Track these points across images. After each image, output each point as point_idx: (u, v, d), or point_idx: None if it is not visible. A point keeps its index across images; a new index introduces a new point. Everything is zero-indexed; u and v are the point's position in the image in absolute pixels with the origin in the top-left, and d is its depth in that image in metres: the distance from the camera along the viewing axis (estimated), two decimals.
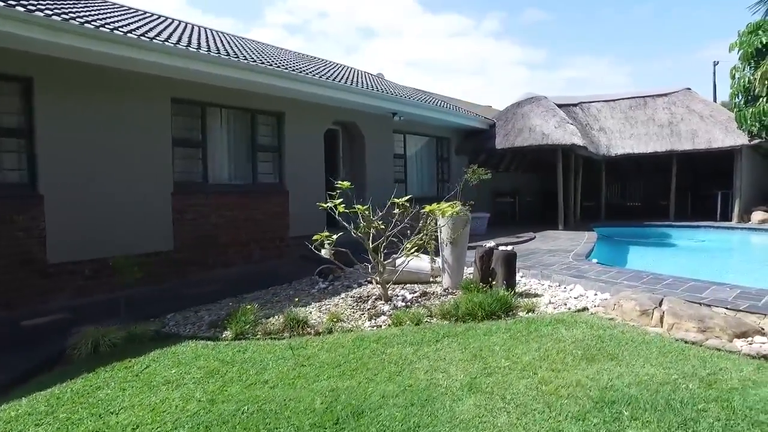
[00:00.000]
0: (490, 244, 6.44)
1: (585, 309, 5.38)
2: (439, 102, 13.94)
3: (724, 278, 6.65)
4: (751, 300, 4.98)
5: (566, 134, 12.47)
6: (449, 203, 7.10)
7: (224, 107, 8.82)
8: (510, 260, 6.08)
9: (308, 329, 4.99)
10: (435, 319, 5.26)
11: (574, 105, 16.29)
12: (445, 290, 6.57)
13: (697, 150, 14.37)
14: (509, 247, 6.30)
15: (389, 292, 6.33)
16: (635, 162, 17.56)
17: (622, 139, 15.52)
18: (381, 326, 5.15)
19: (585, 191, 16.76)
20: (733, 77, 14.44)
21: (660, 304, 4.79)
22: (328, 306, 5.92)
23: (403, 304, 5.91)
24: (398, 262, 7.34)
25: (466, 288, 6.21)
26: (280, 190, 9.61)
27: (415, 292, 6.51)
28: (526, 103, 14.25)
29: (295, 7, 63.98)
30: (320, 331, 4.95)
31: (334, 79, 10.12)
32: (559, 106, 14.97)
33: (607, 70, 67.78)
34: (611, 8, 60.78)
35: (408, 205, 6.83)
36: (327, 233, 6.39)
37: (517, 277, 6.99)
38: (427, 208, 6.73)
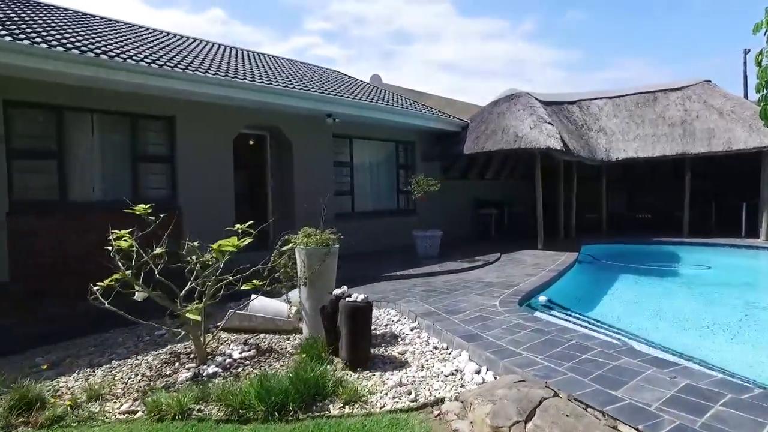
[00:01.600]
0: (338, 291, 4.64)
1: (441, 400, 3.54)
2: (388, 100, 12.10)
3: (710, 336, 4.70)
4: (696, 408, 3.01)
5: (541, 136, 10.43)
6: (305, 231, 5.39)
7: (92, 111, 7.37)
8: (357, 317, 4.28)
9: (39, 415, 3.46)
10: (214, 407, 3.54)
11: (571, 103, 14.12)
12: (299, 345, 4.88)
13: (713, 153, 11.97)
14: (361, 296, 4.48)
15: (222, 346, 4.68)
16: (650, 167, 15.20)
17: (625, 141, 13.25)
18: (137, 413, 3.52)
19: (588, 201, 14.55)
20: (759, 64, 11.93)
21: (528, 418, 2.91)
22: (121, 368, 4.41)
23: (220, 369, 4.28)
24: (256, 304, 5.68)
25: (307, 351, 4.48)
26: (171, 207, 8.06)
27: (252, 348, 4.83)
28: (503, 101, 12.26)
29: (332, 14, 63.47)
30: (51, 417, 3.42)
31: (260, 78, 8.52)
32: (550, 104, 12.89)
33: (651, 71, 63.69)
34: (655, 5, 57.04)
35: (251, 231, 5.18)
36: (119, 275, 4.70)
37: (409, 330, 5.20)
38: (216, 246, 4.96)
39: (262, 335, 5.44)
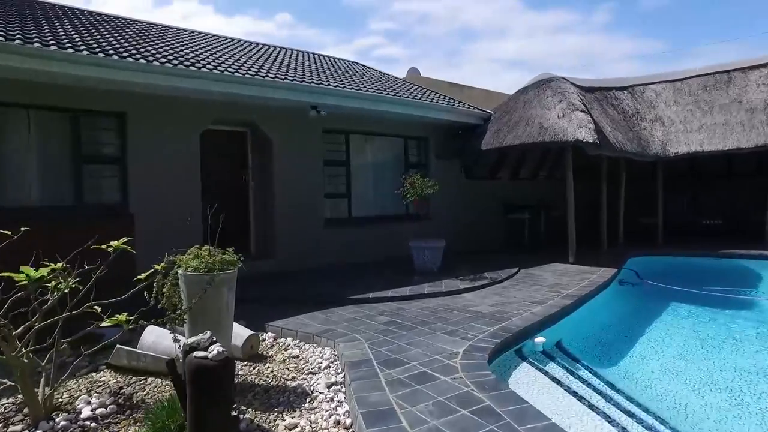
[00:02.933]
0: (192, 340, 3.33)
1: None
2: (396, 91, 10.62)
3: None
4: None
5: (570, 126, 8.59)
6: (194, 249, 4.15)
7: (25, 107, 6.55)
8: (202, 382, 2.97)
9: None
10: None
11: (621, 89, 11.98)
12: None
13: None
14: (219, 349, 3.14)
15: (85, 396, 3.57)
16: (722, 162, 12.72)
17: (687, 132, 10.98)
18: None
19: (641, 203, 12.36)
20: None
21: None
22: None
23: None
24: (148, 340, 4.53)
25: (153, 420, 3.24)
26: (122, 214, 7.13)
27: (117, 401, 3.70)
28: (532, 88, 10.43)
29: (396, 13, 62.89)
30: None
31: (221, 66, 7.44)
32: (591, 90, 10.91)
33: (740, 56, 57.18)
34: None
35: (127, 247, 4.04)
36: None
37: (325, 386, 3.87)
38: (60, 266, 3.77)
39: (150, 380, 4.29)
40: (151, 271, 4.03)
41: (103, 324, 3.90)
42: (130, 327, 3.87)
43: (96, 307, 4.12)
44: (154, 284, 4.17)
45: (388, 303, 6.33)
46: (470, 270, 8.31)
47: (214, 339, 3.42)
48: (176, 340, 4.24)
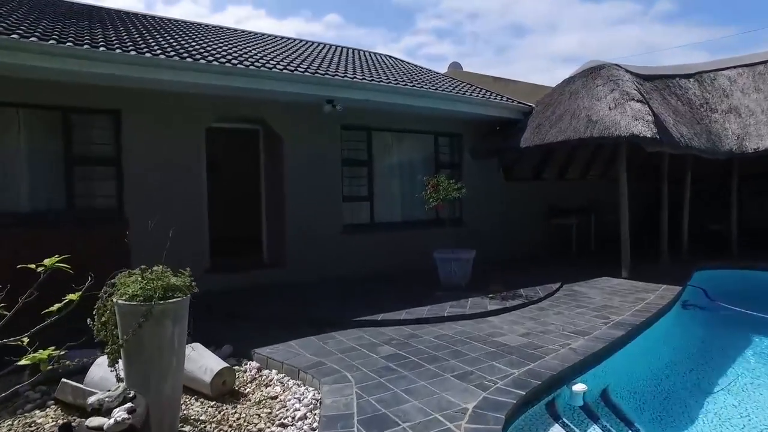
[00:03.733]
0: (93, 399, 2.54)
1: None
2: (425, 84, 9.63)
3: None
4: None
5: (624, 119, 7.33)
6: (132, 272, 3.41)
7: (9, 105, 6.08)
8: None
9: None
10: None
11: (686, 76, 10.45)
12: None
13: None
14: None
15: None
16: None
17: None
18: None
19: (712, 207, 10.80)
20: None
21: None
22: None
23: None
24: (95, 375, 3.86)
25: None
26: (116, 219, 6.58)
27: None
28: (579, 78, 9.17)
29: (445, 11, 61.94)
30: None
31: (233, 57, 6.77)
32: (650, 78, 9.51)
33: None
34: None
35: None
36: None
37: None
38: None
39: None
40: (81, 292, 3.27)
41: (22, 362, 3.19)
42: (50, 367, 3.13)
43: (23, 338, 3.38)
44: (94, 310, 3.43)
45: (399, 327, 5.40)
46: (504, 285, 7.24)
47: (131, 393, 2.63)
48: (120, 380, 3.51)
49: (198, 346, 4.36)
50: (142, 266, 3.42)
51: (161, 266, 3.51)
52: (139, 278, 3.24)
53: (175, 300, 3.19)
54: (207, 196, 7.57)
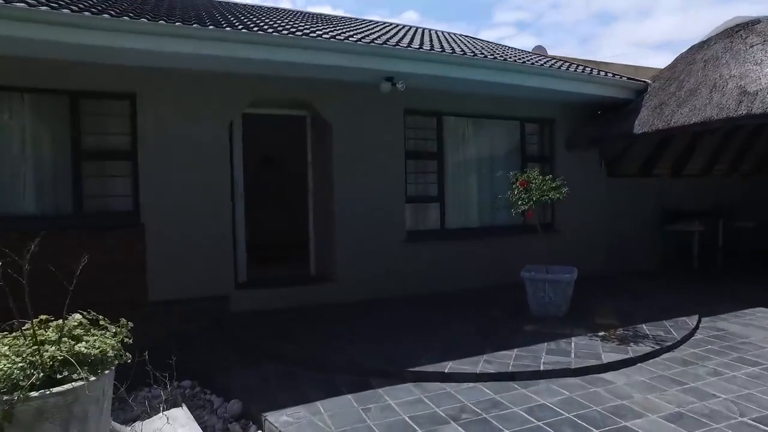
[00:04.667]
0: None
1: None
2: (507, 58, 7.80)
3: None
4: None
5: None
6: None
7: (6, 89, 5.16)
8: None
9: None
10: None
11: None
12: None
13: None
14: None
15: None
16: None
17: None
18: None
19: None
20: None
21: None
22: None
23: None
24: None
25: None
26: (130, 225, 5.51)
27: None
28: (718, 40, 6.98)
29: (525, 3, 59.07)
30: None
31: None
32: None
33: None
34: None
35: None
36: None
37: None
38: None
39: None
40: None
41: None
42: None
43: None
44: None
45: (474, 386, 3.79)
46: (616, 317, 5.39)
47: None
48: None
49: (179, 416, 3.01)
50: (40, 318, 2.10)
51: (78, 316, 2.20)
52: (14, 342, 1.91)
53: (71, 387, 1.81)
54: (244, 195, 6.38)
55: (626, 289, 7.09)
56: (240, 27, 5.40)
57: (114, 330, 2.31)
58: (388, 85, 6.09)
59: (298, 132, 6.98)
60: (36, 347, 1.90)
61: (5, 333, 2.19)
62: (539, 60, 8.04)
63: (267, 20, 6.67)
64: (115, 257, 5.42)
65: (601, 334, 4.82)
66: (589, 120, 8.10)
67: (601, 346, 4.49)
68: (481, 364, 4.08)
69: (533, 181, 5.25)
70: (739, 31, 6.62)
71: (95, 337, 2.14)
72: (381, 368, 4.07)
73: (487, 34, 61.96)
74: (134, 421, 3.06)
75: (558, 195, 5.14)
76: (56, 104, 5.34)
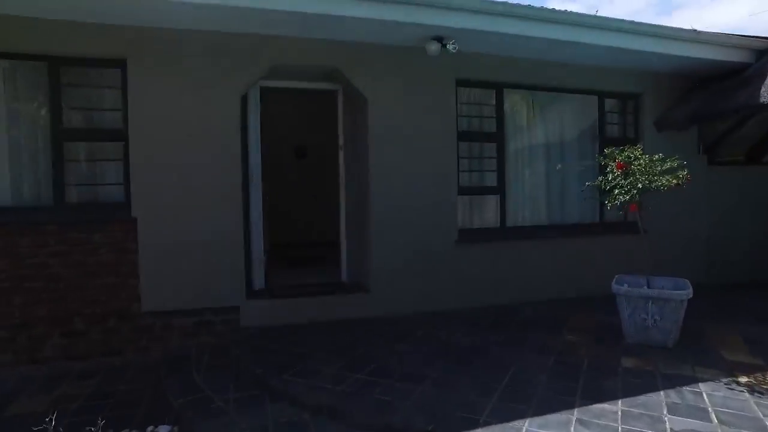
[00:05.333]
0: None
1: None
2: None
3: None
4: None
5: None
6: None
7: None
8: None
9: None
10: None
11: None
12: None
13: None
14: None
15: None
16: None
17: None
18: None
19: None
20: None
21: None
22: None
23: None
24: None
25: None
26: (120, 219, 4.52)
27: None
28: None
29: None
30: None
31: None
32: None
33: None
34: None
35: None
36: None
37: None
38: None
39: None
40: None
41: None
42: None
43: None
44: None
45: None
46: (747, 346, 3.92)
47: None
48: None
49: None
50: None
51: None
52: None
53: None
54: (262, 185, 5.30)
55: (744, 307, 5.52)
56: None
57: None
58: (436, 47, 4.83)
59: (327, 110, 5.84)
60: None
61: None
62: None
63: None
64: (102, 258, 4.46)
65: (743, 380, 3.38)
66: (687, 94, 6.52)
67: (754, 402, 3.06)
68: (573, 427, 2.77)
69: (636, 162, 3.85)
70: None
71: None
72: (425, 425, 2.83)
73: None
74: None
75: (675, 180, 3.72)
76: (32, 73, 4.42)
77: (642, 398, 3.11)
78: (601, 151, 6.00)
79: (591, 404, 3.03)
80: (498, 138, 5.87)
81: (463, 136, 5.65)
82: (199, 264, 4.64)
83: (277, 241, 8.61)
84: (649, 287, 4.15)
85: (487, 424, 2.80)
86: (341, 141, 5.65)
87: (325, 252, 7.70)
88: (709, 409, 2.96)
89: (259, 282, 5.28)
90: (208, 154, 4.67)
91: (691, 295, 4.02)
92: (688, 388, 3.25)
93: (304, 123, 9.01)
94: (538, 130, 6.22)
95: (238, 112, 4.78)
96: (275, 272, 6.24)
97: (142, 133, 4.49)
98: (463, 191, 5.67)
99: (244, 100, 5.10)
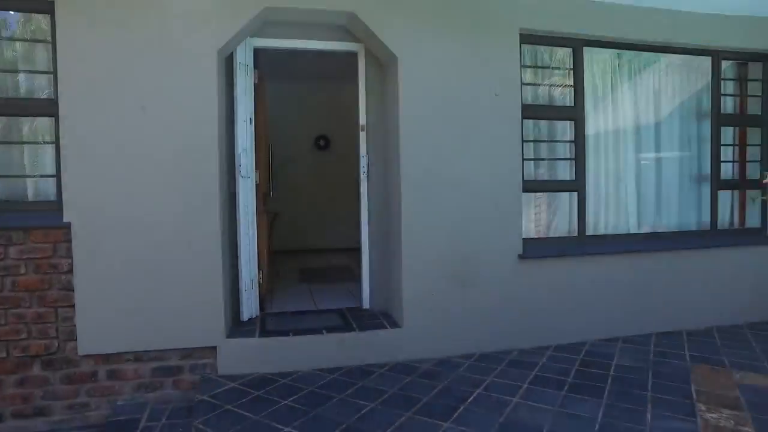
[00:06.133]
0: None
1: None
2: None
3: None
4: None
5: None
6: None
7: None
8: None
9: None
10: None
11: None
12: None
13: None
14: None
15: None
16: None
17: None
18: None
19: None
20: None
21: None
22: None
23: None
24: None
25: None
26: (48, 225, 3.22)
27: None
28: None
29: None
30: None
31: None
32: None
33: None
34: None
35: None
36: None
37: None
38: None
39: None
40: None
41: None
42: None
43: None
44: None
45: None
46: None
47: None
48: None
49: None
50: None
51: None
52: None
53: None
54: (258, 175, 3.93)
55: None
56: None
57: None
58: None
59: (345, 78, 4.42)
60: None
61: None
62: None
63: None
64: (22, 279, 3.18)
65: None
66: None
67: None
68: None
69: None
70: None
71: None
72: None
73: None
74: None
75: None
76: None
77: None
78: (716, 131, 4.43)
79: None
80: (576, 114, 4.29)
81: (528, 111, 4.10)
82: (159, 288, 3.31)
83: (287, 247, 7.36)
84: None
85: None
86: (363, 119, 4.20)
87: (348, 261, 6.36)
88: None
89: (250, 309, 3.92)
90: (172, 136, 3.32)
91: None
92: None
93: (326, 110, 7.74)
94: (629, 103, 4.59)
95: (215, 77, 3.40)
96: (278, 291, 4.89)
97: (76, 105, 3.18)
98: (528, 187, 4.13)
99: (230, 64, 3.75)
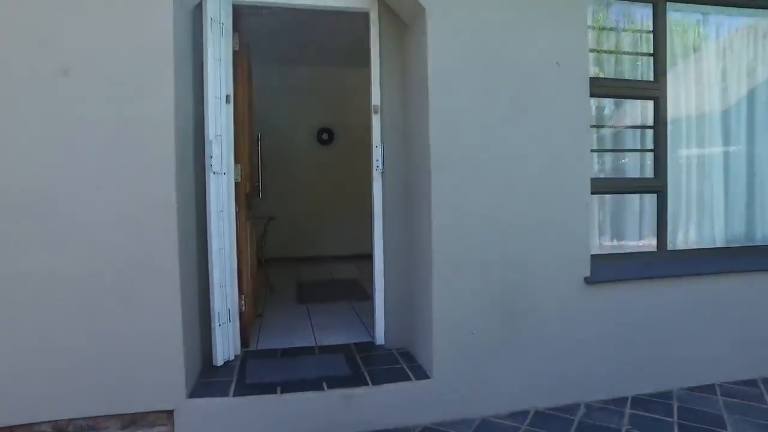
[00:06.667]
0: None
1: None
2: None
3: None
4: None
5: None
6: None
7: None
8: None
9: None
10: None
11: None
12: None
13: None
14: None
15: None
16: None
17: None
18: None
19: None
20: None
21: None
22: None
23: None
24: None
25: None
26: None
27: None
28: None
29: None
30: None
31: None
32: None
33: None
34: None
35: None
36: None
37: None
38: None
39: None
40: None
41: None
42: None
43: None
44: None
45: None
46: None
47: None
48: None
49: None
50: None
51: None
52: None
53: None
54: (239, 168, 2.95)
55: None
56: None
57: None
58: None
59: (354, 44, 3.43)
60: None
61: None
62: None
63: None
64: None
65: None
66: None
67: None
68: None
69: None
70: None
71: None
72: None
73: None
74: None
75: None
76: None
77: None
78: None
79: None
80: (657, 92, 3.27)
81: (596, 86, 3.09)
82: (91, 329, 2.33)
83: (284, 255, 6.40)
84: None
85: None
86: (376, 99, 3.19)
87: (355, 272, 5.40)
88: None
89: (226, 350, 2.93)
90: (104, 110, 2.33)
91: None
92: None
93: (330, 99, 6.79)
94: (713, 79, 3.57)
95: (171, 36, 2.41)
96: (269, 315, 3.91)
97: None
98: (597, 187, 3.11)
99: (199, 20, 2.77)
